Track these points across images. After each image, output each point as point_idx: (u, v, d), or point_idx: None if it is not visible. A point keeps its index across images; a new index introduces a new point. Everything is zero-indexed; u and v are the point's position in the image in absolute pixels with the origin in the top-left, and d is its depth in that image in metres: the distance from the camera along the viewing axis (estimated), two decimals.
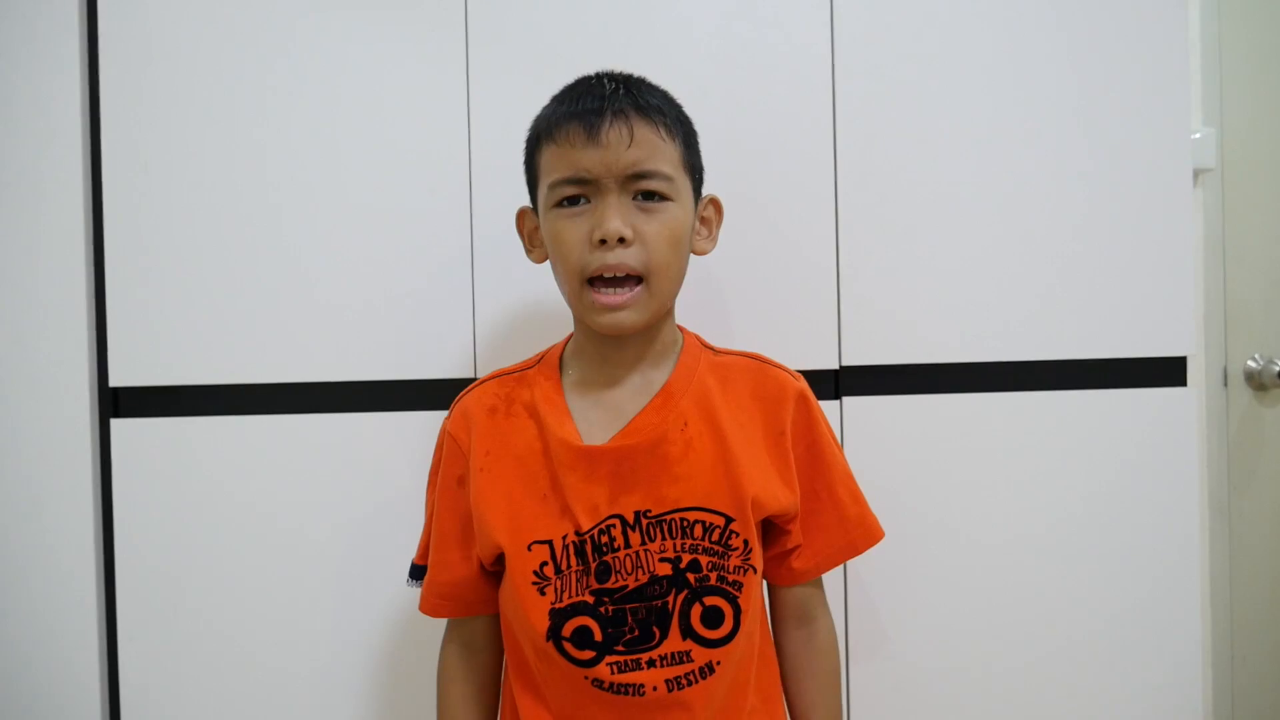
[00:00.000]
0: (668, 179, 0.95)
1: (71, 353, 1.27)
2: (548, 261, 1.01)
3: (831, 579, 1.25)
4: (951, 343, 1.26)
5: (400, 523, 1.23)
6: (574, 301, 0.98)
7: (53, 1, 1.27)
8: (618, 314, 0.94)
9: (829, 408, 1.26)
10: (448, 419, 1.05)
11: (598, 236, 0.92)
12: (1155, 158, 1.26)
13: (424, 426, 1.25)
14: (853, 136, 1.26)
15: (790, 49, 1.26)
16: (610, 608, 0.93)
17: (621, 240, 0.92)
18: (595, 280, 0.94)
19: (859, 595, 1.27)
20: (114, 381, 1.27)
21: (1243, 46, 1.83)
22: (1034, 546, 1.26)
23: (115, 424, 1.27)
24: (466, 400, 1.05)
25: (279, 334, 1.26)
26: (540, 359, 1.06)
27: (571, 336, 1.06)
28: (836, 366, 1.27)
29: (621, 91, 0.95)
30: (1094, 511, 1.26)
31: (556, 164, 0.94)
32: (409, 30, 1.26)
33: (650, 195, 0.94)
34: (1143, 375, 1.27)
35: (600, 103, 0.94)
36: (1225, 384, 1.84)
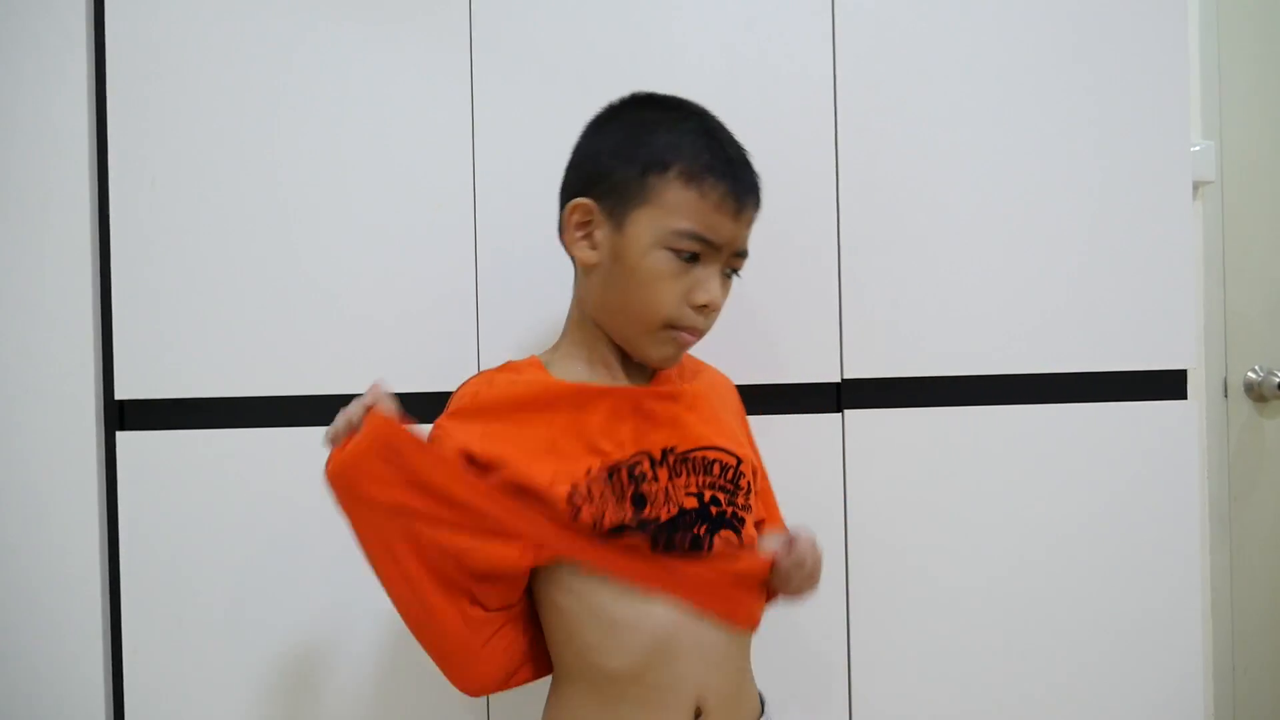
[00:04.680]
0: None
1: (77, 365, 1.28)
2: (590, 261, 1.00)
3: (833, 589, 1.26)
4: (953, 356, 1.27)
5: None
6: (639, 330, 1.00)
7: (59, 14, 1.28)
8: (676, 355, 1.03)
9: (830, 420, 1.27)
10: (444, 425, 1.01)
11: (702, 300, 0.98)
12: (1155, 171, 1.26)
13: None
14: (854, 152, 1.27)
15: (792, 64, 1.27)
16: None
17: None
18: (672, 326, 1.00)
19: (862, 604, 1.27)
20: (120, 394, 1.28)
21: (1242, 60, 1.84)
22: (1036, 559, 1.27)
23: (121, 436, 1.28)
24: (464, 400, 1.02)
25: (284, 347, 1.27)
26: (511, 364, 1.07)
27: (556, 347, 1.07)
28: (839, 380, 1.27)
29: (753, 167, 1.01)
30: (1096, 524, 1.27)
31: (692, 214, 0.96)
32: (414, 42, 1.27)
33: (735, 271, 1.02)
34: (1144, 388, 1.27)
35: (750, 177, 1.00)
36: (1226, 395, 1.84)
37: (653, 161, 0.97)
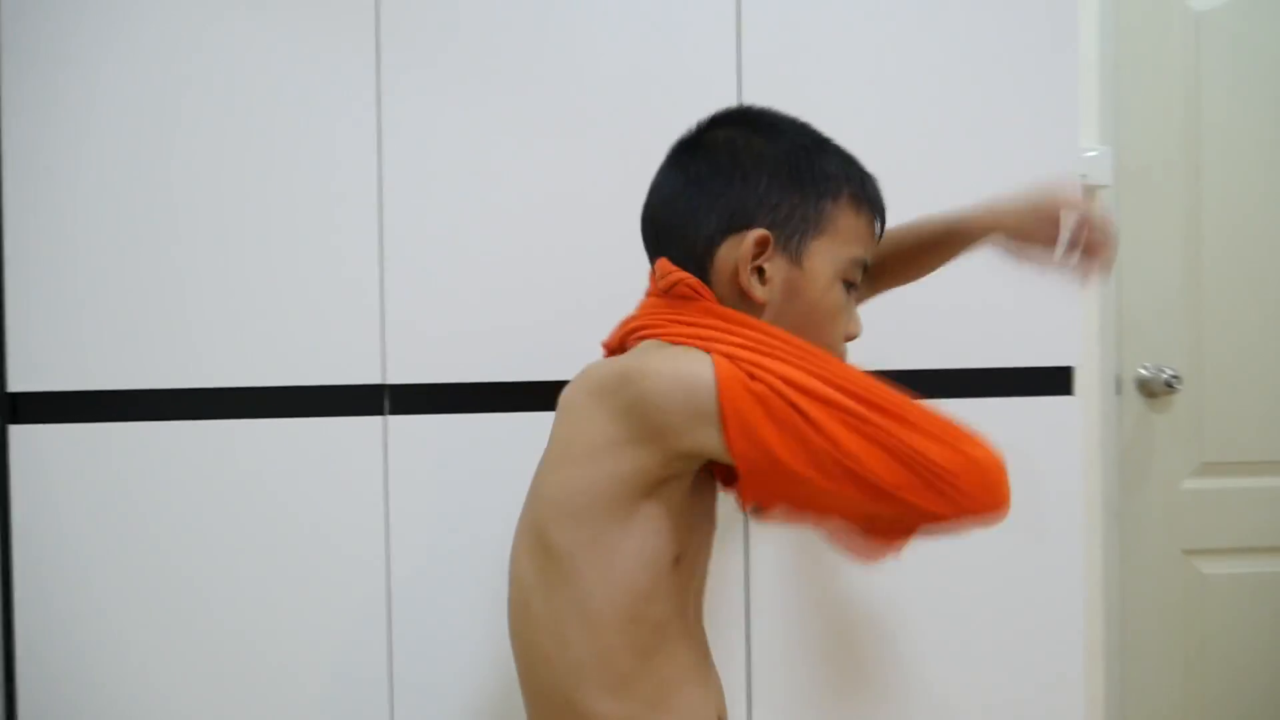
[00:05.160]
0: None
1: None
2: (763, 299, 0.92)
3: (735, 575, 1.29)
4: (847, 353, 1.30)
5: (300, 530, 1.23)
6: None
7: None
8: None
9: None
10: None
11: (856, 332, 0.97)
12: (1044, 175, 1.31)
13: (331, 433, 1.25)
14: None
15: (698, 64, 1.29)
16: None
17: None
18: None
19: (761, 595, 1.30)
20: (12, 386, 1.25)
21: (1137, 68, 1.91)
22: (926, 549, 1.31)
23: (14, 430, 1.25)
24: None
25: (183, 339, 1.25)
26: None
27: None
28: None
29: None
30: None
31: (863, 241, 0.94)
32: (317, 31, 1.26)
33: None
34: (1032, 384, 1.32)
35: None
36: (1118, 391, 1.92)
37: (825, 188, 0.92)
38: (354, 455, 1.27)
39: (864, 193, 0.94)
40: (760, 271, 0.91)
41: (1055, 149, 1.31)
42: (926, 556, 1.30)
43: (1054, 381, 1.33)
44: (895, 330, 1.30)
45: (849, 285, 0.94)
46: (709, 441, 0.83)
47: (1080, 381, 1.88)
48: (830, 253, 0.92)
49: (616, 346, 0.98)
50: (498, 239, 1.27)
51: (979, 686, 1.31)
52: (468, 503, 1.26)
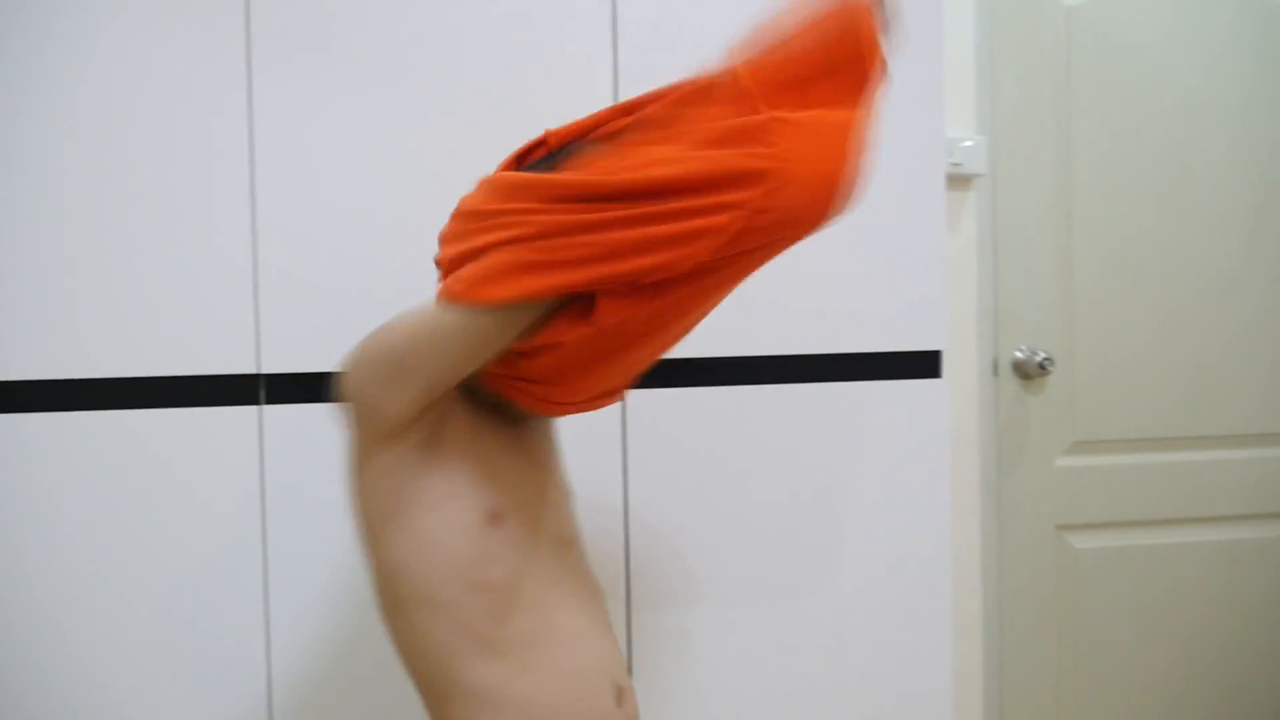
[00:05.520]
0: None
1: None
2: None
3: (615, 559, 1.31)
4: (721, 336, 1.33)
5: (180, 518, 1.21)
6: None
7: None
8: None
9: None
10: None
11: None
12: (911, 166, 1.35)
13: (206, 423, 1.23)
14: None
15: (576, 51, 1.30)
16: None
17: None
18: None
19: (642, 578, 1.32)
20: None
21: (1011, 61, 1.98)
22: (800, 529, 1.35)
23: None
24: None
25: (58, 330, 1.22)
26: None
27: None
28: None
29: None
30: (856, 494, 1.36)
31: None
32: (188, 21, 1.23)
33: None
34: (902, 368, 1.37)
35: None
36: (995, 374, 1.99)
37: None
38: (231, 444, 1.25)
39: None
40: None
41: (923, 136, 1.35)
42: (796, 537, 1.34)
43: (923, 365, 1.37)
44: (767, 316, 1.33)
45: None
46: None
47: (958, 365, 1.96)
48: None
49: None
50: (371, 228, 1.26)
51: (849, 666, 1.36)
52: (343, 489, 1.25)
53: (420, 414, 0.89)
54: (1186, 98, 2.04)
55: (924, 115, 1.35)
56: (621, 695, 0.97)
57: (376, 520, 0.92)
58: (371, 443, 0.90)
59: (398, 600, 0.91)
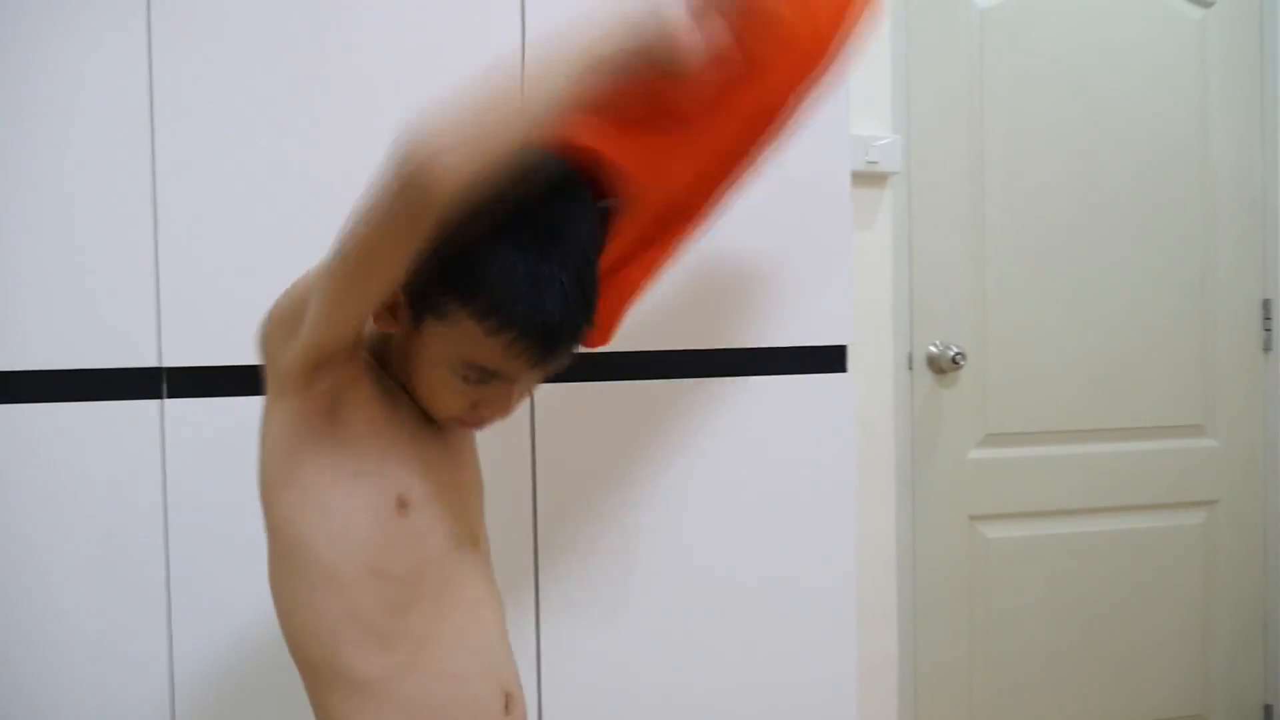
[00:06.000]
0: None
1: None
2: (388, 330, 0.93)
3: (523, 559, 1.31)
4: (633, 331, 1.33)
5: (78, 516, 1.19)
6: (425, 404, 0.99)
7: None
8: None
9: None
10: None
11: (480, 417, 0.96)
12: (818, 163, 1.37)
13: (105, 416, 1.21)
14: None
15: (483, 45, 1.30)
16: None
17: None
18: None
19: (550, 577, 1.33)
20: None
21: (926, 61, 2.02)
22: (709, 523, 1.36)
23: None
24: None
25: None
26: None
27: None
28: None
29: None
30: (763, 487, 1.38)
31: (486, 355, 0.88)
32: (88, 11, 1.21)
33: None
34: (809, 362, 1.39)
35: (571, 336, 0.92)
36: (910, 368, 2.03)
37: (464, 287, 0.86)
38: (130, 440, 1.23)
39: (510, 322, 0.86)
40: (394, 311, 0.90)
41: (829, 133, 1.37)
42: (703, 531, 1.36)
43: (830, 360, 1.40)
44: (676, 311, 1.34)
45: (468, 377, 0.90)
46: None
47: (874, 359, 1.99)
48: (444, 342, 0.89)
49: None
50: (276, 219, 1.25)
51: (756, 658, 1.38)
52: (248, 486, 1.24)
53: (314, 369, 0.88)
54: (1094, 97, 2.10)
55: (830, 111, 1.37)
56: (510, 703, 0.97)
57: (274, 479, 0.92)
58: (275, 396, 0.92)
59: (293, 572, 0.91)
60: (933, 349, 2.03)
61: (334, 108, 1.26)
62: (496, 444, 1.29)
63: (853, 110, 1.99)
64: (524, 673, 1.29)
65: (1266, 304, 2.22)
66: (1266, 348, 2.23)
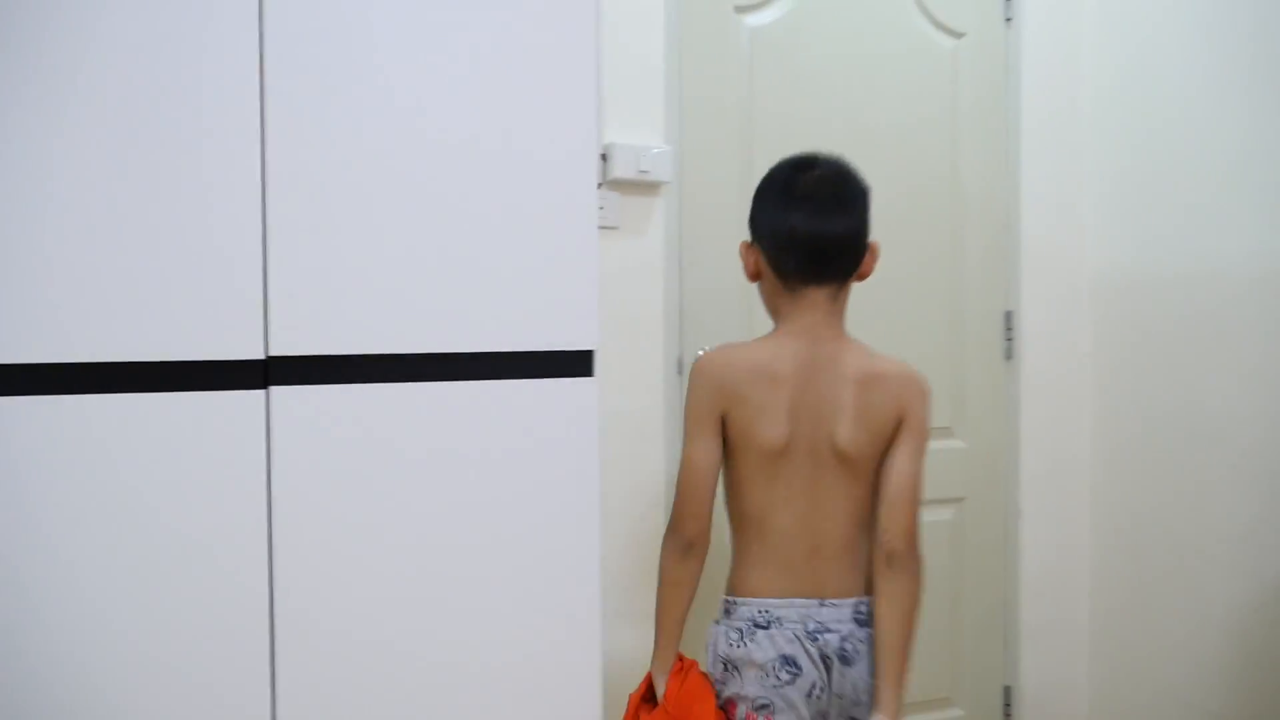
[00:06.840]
0: None
1: None
2: None
3: (256, 568, 1.27)
4: (374, 333, 1.32)
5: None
6: None
7: None
8: None
9: (254, 398, 1.27)
10: None
11: None
12: (562, 170, 1.39)
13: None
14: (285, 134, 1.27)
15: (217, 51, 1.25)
16: None
17: None
18: None
19: (285, 585, 1.29)
20: None
21: (700, 74, 2.08)
22: (451, 529, 1.36)
23: None
24: None
25: None
26: None
27: None
28: (264, 356, 1.28)
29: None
30: (507, 490, 1.39)
31: None
32: None
33: None
34: (554, 366, 1.41)
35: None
36: (680, 372, 2.08)
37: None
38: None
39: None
40: None
41: (574, 139, 1.39)
42: (446, 536, 1.35)
43: (577, 364, 1.42)
44: (418, 314, 1.34)
45: None
46: None
47: (645, 363, 2.04)
48: None
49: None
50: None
51: (501, 660, 1.39)
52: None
53: None
54: (855, 116, 2.22)
55: (576, 118, 1.40)
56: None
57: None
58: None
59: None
60: (701, 354, 2.08)
61: (71, 113, 1.18)
62: (223, 453, 1.25)
63: (625, 120, 2.05)
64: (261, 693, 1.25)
65: (1008, 315, 2.40)
66: (1008, 356, 2.40)
